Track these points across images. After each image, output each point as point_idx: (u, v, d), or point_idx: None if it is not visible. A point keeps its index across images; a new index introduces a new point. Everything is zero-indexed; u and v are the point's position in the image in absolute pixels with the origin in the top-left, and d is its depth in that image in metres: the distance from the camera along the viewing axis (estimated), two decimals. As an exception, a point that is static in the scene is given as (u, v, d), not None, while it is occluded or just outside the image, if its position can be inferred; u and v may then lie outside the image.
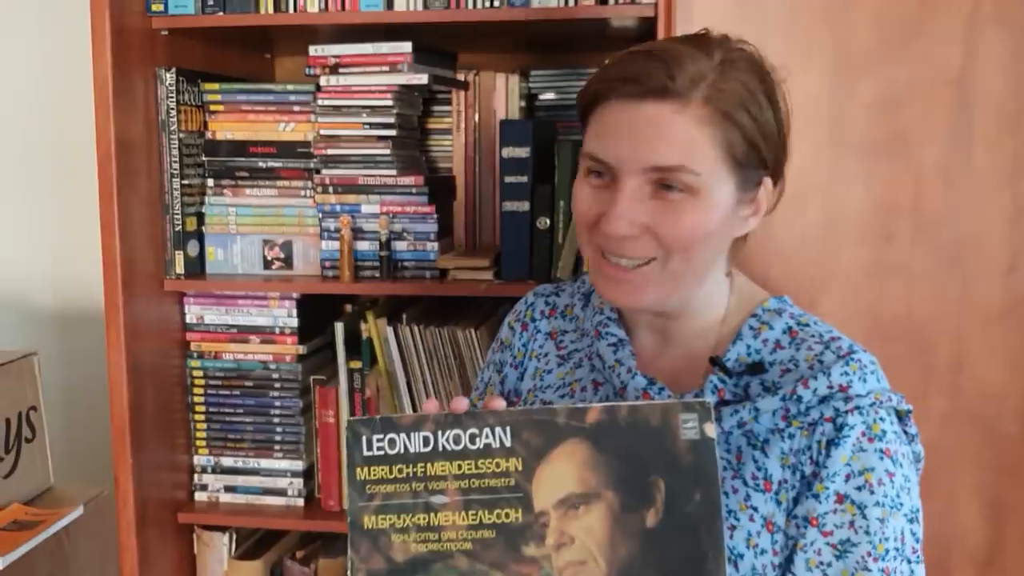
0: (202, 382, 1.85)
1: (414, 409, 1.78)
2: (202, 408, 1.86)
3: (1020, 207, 1.51)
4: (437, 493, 0.89)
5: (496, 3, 1.62)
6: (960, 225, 1.52)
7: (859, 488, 0.95)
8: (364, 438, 0.91)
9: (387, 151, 1.74)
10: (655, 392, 1.04)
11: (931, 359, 1.56)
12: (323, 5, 1.66)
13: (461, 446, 0.89)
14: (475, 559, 0.88)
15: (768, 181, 1.03)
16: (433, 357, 1.77)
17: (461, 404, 0.91)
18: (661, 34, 1.52)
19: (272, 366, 1.83)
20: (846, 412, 0.96)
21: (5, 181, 2.24)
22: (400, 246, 1.76)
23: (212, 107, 1.81)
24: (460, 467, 0.89)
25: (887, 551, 0.94)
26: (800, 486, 0.98)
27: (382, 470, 0.90)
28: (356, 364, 1.80)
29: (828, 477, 0.96)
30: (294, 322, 1.81)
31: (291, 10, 1.67)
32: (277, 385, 1.84)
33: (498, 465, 0.89)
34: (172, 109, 1.73)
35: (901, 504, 0.96)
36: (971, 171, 1.51)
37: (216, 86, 1.80)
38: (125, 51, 1.63)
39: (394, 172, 1.74)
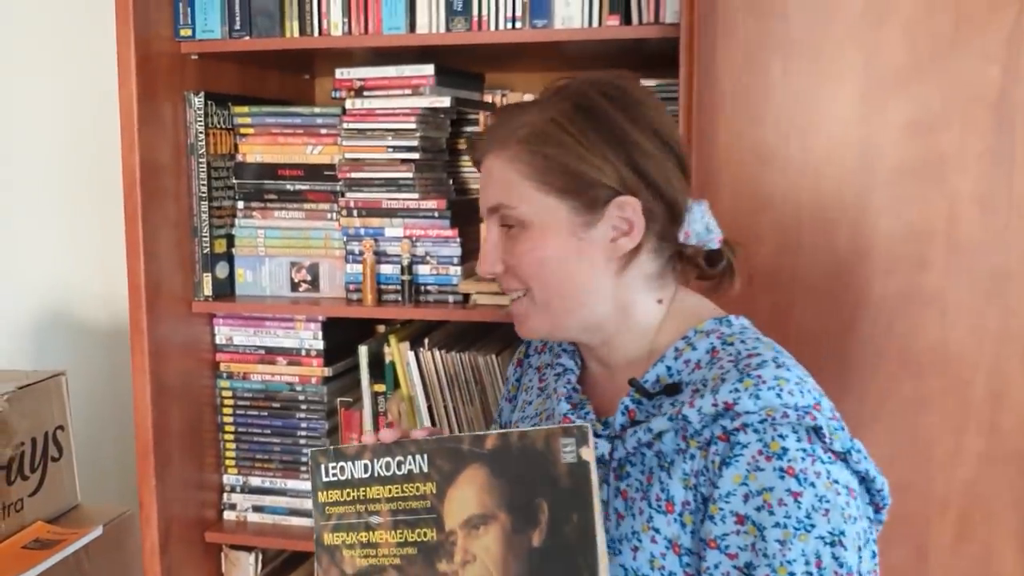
0: (231, 402, 1.87)
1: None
2: (231, 428, 1.88)
3: (1063, 235, 1.42)
4: (374, 514, 1.01)
5: (518, 24, 1.59)
6: (998, 253, 1.44)
7: (758, 508, 0.92)
8: (323, 466, 1.04)
9: (410, 174, 1.72)
10: (579, 416, 1.10)
11: (967, 394, 1.48)
12: (347, 28, 1.66)
13: (390, 472, 1.00)
14: (403, 573, 0.99)
15: (628, 200, 1.04)
16: (454, 383, 1.75)
17: (386, 435, 1.02)
18: (684, 54, 1.48)
19: (298, 388, 1.83)
20: (736, 430, 0.94)
21: (39, 201, 2.30)
22: (423, 270, 1.74)
23: (242, 130, 1.82)
24: (390, 491, 1.00)
25: (792, 574, 0.90)
26: (704, 508, 0.96)
27: (336, 493, 1.03)
28: (380, 387, 1.80)
29: (721, 498, 0.93)
30: (320, 344, 1.81)
31: (316, 34, 1.68)
32: (303, 407, 1.84)
33: (417, 489, 0.99)
34: (200, 132, 1.75)
35: (813, 526, 0.91)
36: (1010, 197, 1.43)
37: (246, 109, 1.81)
38: (152, 75, 1.65)
39: (417, 196, 1.73)
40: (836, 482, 0.94)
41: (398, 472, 1.00)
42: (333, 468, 1.03)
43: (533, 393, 1.26)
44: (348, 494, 1.02)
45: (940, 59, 1.44)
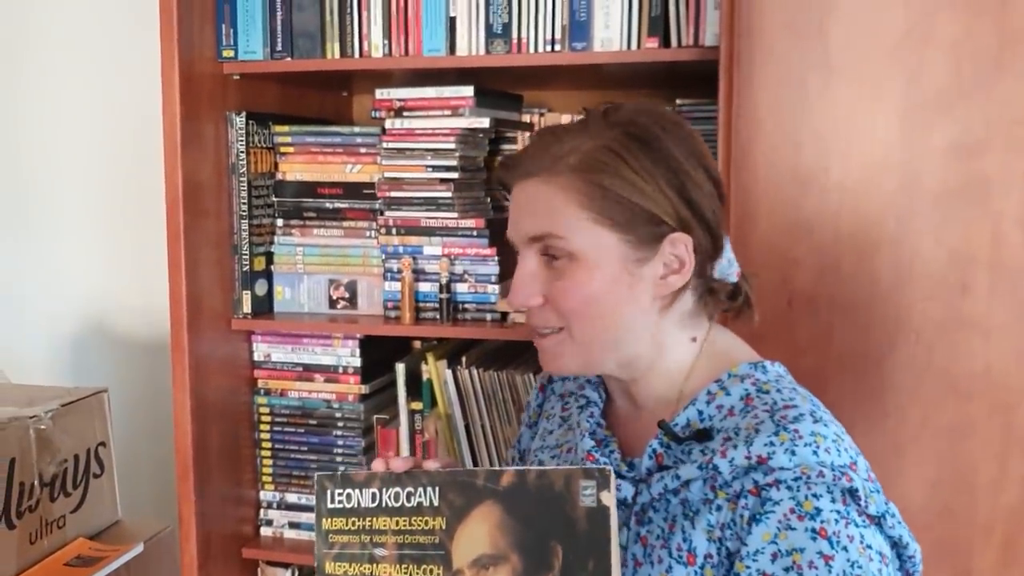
0: (268, 419, 1.89)
1: (472, 453, 1.77)
2: (268, 444, 1.89)
3: (1109, 260, 1.41)
4: (379, 546, 0.96)
5: (558, 47, 1.60)
6: (1042, 278, 1.43)
7: (787, 569, 0.89)
8: (329, 491, 0.99)
9: (449, 193, 1.74)
10: (603, 454, 1.06)
11: (1011, 420, 1.46)
12: (387, 50, 1.67)
13: (399, 503, 0.96)
14: None
15: (681, 237, 1.01)
16: (492, 401, 1.75)
17: (398, 464, 0.98)
18: (723, 75, 1.48)
19: (335, 405, 1.85)
20: (767, 485, 0.91)
21: (82, 219, 2.33)
22: (461, 288, 1.75)
23: (282, 148, 1.84)
24: (397, 523, 0.96)
25: None
26: (728, 563, 0.93)
27: (341, 521, 0.98)
28: (417, 406, 1.81)
29: (749, 555, 0.90)
30: (357, 362, 1.83)
31: (357, 55, 1.69)
32: (340, 424, 1.85)
33: (426, 523, 0.95)
34: (242, 151, 1.77)
35: None
36: (1055, 220, 1.42)
37: (286, 128, 1.83)
38: (195, 96, 1.67)
39: (456, 215, 1.74)
40: (869, 547, 0.91)
41: (407, 504, 0.96)
42: (340, 495, 0.98)
43: (555, 422, 1.22)
44: (353, 523, 0.98)
45: (984, 81, 1.43)
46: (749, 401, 1.00)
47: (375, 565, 0.96)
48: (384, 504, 0.96)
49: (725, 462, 0.93)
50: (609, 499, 0.88)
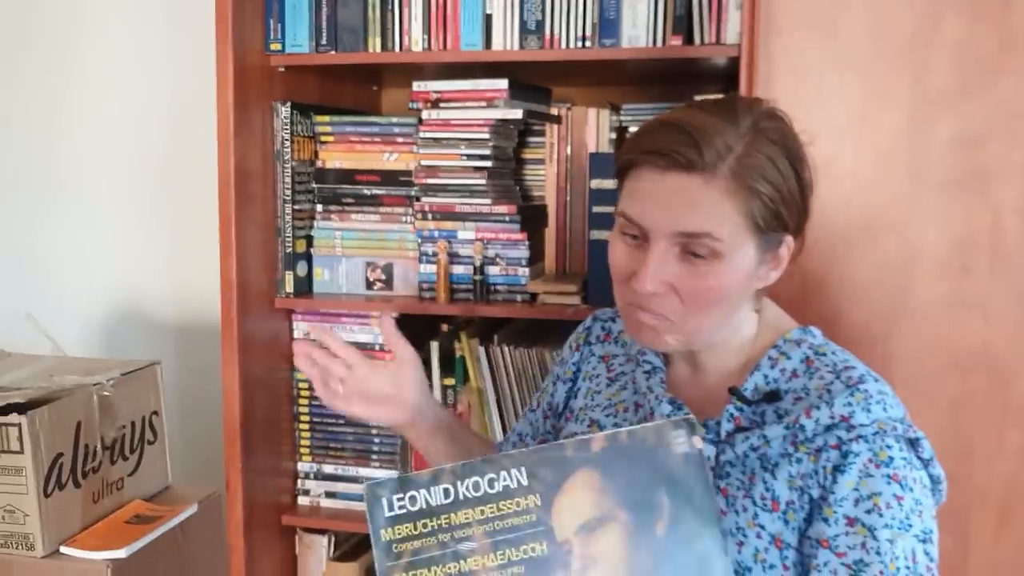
0: (307, 394, 1.99)
1: (503, 426, 1.87)
2: (307, 418, 2.00)
3: (1100, 245, 1.52)
4: (464, 540, 0.94)
5: (588, 43, 1.71)
6: (1038, 261, 1.54)
7: (868, 511, 1.00)
8: (384, 500, 0.95)
9: (483, 181, 1.84)
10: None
11: (1008, 393, 1.58)
12: (426, 44, 1.78)
13: (481, 492, 0.95)
14: None
15: (789, 239, 1.09)
16: (522, 376, 1.86)
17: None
18: (744, 72, 1.58)
19: (372, 380, 1.95)
20: (850, 440, 1.02)
21: (134, 204, 2.44)
22: (493, 270, 1.86)
23: (323, 138, 1.94)
24: (483, 512, 0.94)
25: (898, 569, 0.99)
26: (810, 507, 1.04)
27: (407, 528, 0.95)
28: (449, 381, 1.91)
29: (836, 502, 1.01)
30: (393, 340, 1.93)
31: (397, 49, 1.80)
32: (376, 398, 1.95)
33: (518, 504, 0.94)
34: (287, 140, 1.87)
35: (911, 526, 1.01)
36: (1050, 208, 1.53)
37: (327, 118, 1.94)
38: (245, 87, 1.78)
39: (489, 201, 1.85)
40: (925, 486, 1.05)
41: (490, 491, 0.94)
42: (399, 500, 0.95)
43: (601, 382, 1.29)
44: (425, 525, 0.94)
45: (985, 79, 1.54)
46: (810, 363, 1.10)
47: (463, 561, 0.94)
48: (462, 496, 0.95)
49: (811, 421, 1.04)
50: (699, 443, 0.95)
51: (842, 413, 1.03)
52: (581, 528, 0.94)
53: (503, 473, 0.95)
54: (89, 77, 2.42)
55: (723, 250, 1.04)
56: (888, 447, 1.02)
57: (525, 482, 0.95)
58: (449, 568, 0.94)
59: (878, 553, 0.99)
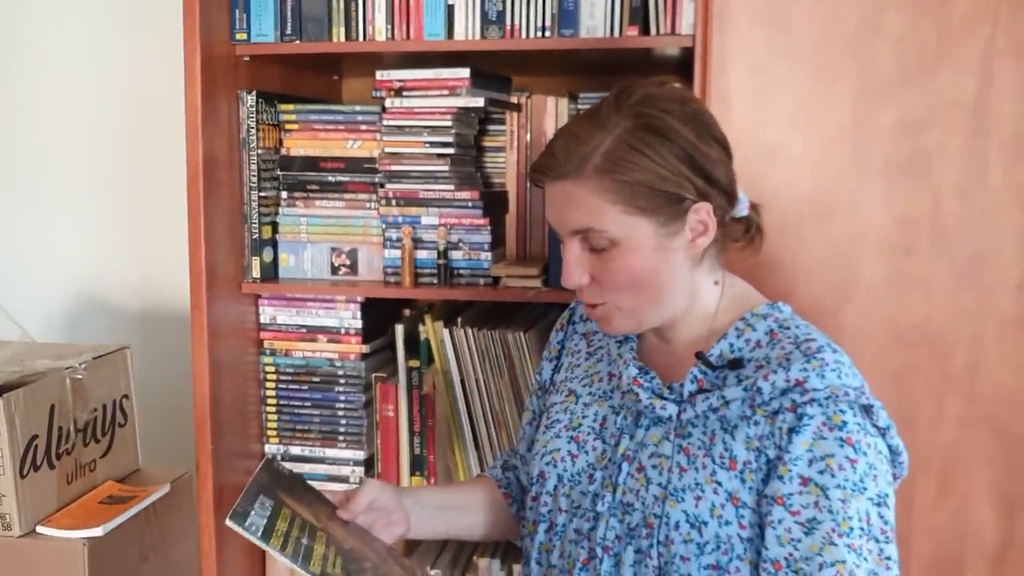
0: (274, 377, 2.02)
1: (467, 405, 1.93)
2: (273, 401, 2.03)
3: (1032, 225, 1.62)
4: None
5: (548, 33, 1.77)
6: (975, 241, 1.63)
7: (821, 472, 1.07)
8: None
9: (445, 168, 1.90)
10: (645, 380, 1.21)
11: (948, 365, 1.67)
12: (389, 34, 1.82)
13: None
14: None
15: (703, 206, 1.16)
16: (485, 357, 1.92)
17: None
18: (698, 62, 1.65)
19: (338, 363, 1.99)
20: (803, 403, 1.09)
21: (97, 193, 2.45)
22: (456, 255, 1.91)
23: (287, 126, 1.98)
24: None
25: (851, 528, 1.06)
26: (767, 468, 1.11)
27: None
28: (414, 363, 1.96)
29: (791, 461, 1.08)
30: (358, 323, 1.97)
31: (360, 38, 1.84)
32: (342, 381, 2.00)
33: None
34: (252, 128, 1.90)
35: (865, 488, 1.07)
36: (986, 191, 1.62)
37: (291, 107, 1.97)
38: (212, 76, 1.80)
39: (452, 187, 1.90)
40: (880, 452, 1.11)
41: None
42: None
43: (581, 357, 1.38)
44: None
45: (925, 69, 1.63)
46: (774, 335, 1.18)
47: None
48: None
49: (767, 384, 1.10)
50: None
51: (797, 377, 1.09)
52: None
53: None
54: (52, 64, 2.42)
55: (614, 237, 1.14)
56: (842, 411, 1.09)
57: None
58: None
59: (830, 512, 1.06)
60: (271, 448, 2.04)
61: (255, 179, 1.93)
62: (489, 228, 1.91)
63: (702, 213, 1.16)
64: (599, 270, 1.17)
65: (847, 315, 1.68)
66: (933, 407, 1.68)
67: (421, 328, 1.96)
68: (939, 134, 1.64)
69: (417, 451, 1.97)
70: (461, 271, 1.92)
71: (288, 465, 2.01)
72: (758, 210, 1.27)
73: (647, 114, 1.14)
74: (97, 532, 1.57)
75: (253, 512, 1.15)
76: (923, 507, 1.70)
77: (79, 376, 1.68)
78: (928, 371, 1.67)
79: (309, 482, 1.37)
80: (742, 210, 1.24)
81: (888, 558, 1.09)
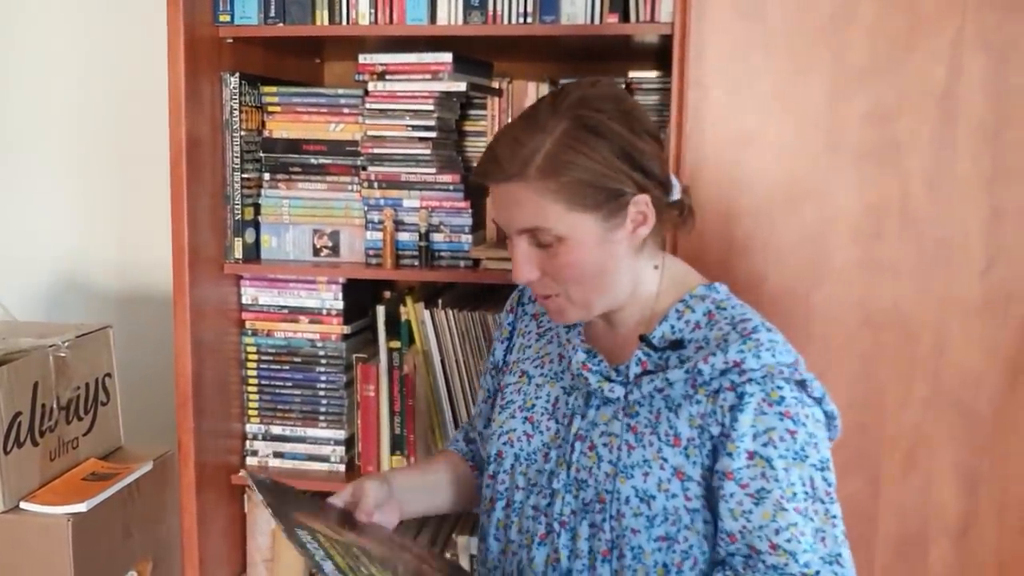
0: (255, 357, 2.05)
1: (447, 385, 1.96)
2: (255, 381, 2.06)
3: (997, 212, 1.66)
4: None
5: (529, 19, 1.79)
6: (943, 227, 1.68)
7: (765, 444, 1.14)
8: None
9: (427, 151, 1.92)
10: (593, 363, 1.27)
11: (915, 348, 1.71)
12: (373, 18, 1.84)
13: None
14: None
15: (642, 198, 1.21)
16: (465, 338, 1.95)
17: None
18: (677, 50, 1.69)
19: (319, 344, 2.02)
20: (742, 383, 1.15)
21: (78, 174, 2.46)
22: (437, 237, 1.94)
23: (270, 108, 2.00)
24: None
25: (795, 494, 1.13)
26: (711, 444, 1.17)
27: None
28: (395, 344, 1.99)
29: (738, 438, 1.15)
30: (340, 304, 2.00)
31: (344, 22, 1.86)
32: (323, 361, 2.02)
33: None
34: (235, 110, 1.92)
35: (807, 456, 1.15)
36: (953, 178, 1.67)
37: (274, 89, 1.99)
38: (195, 57, 1.82)
39: (433, 170, 1.93)
40: (819, 421, 1.18)
41: None
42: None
43: (531, 338, 1.43)
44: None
45: (896, 59, 1.67)
46: (711, 316, 1.24)
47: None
48: None
49: (707, 366, 1.16)
50: None
51: (734, 359, 1.16)
52: None
53: None
54: (34, 46, 2.42)
55: (561, 234, 1.19)
56: (779, 387, 1.15)
57: None
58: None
59: (776, 480, 1.13)
60: (252, 427, 2.06)
61: (238, 161, 1.95)
62: (470, 211, 1.94)
63: (641, 204, 1.21)
64: (547, 265, 1.22)
65: (818, 299, 1.72)
66: (900, 389, 1.73)
67: (402, 309, 1.99)
68: (909, 122, 1.68)
69: (397, 431, 2.00)
70: (442, 253, 1.95)
71: (268, 445, 2.05)
72: (688, 192, 1.32)
73: (583, 115, 1.18)
74: (81, 508, 1.59)
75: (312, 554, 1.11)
76: (889, 485, 1.75)
77: (62, 354, 1.70)
78: (896, 353, 1.72)
79: (291, 485, 1.40)
80: (676, 194, 1.29)
81: (834, 516, 1.16)
